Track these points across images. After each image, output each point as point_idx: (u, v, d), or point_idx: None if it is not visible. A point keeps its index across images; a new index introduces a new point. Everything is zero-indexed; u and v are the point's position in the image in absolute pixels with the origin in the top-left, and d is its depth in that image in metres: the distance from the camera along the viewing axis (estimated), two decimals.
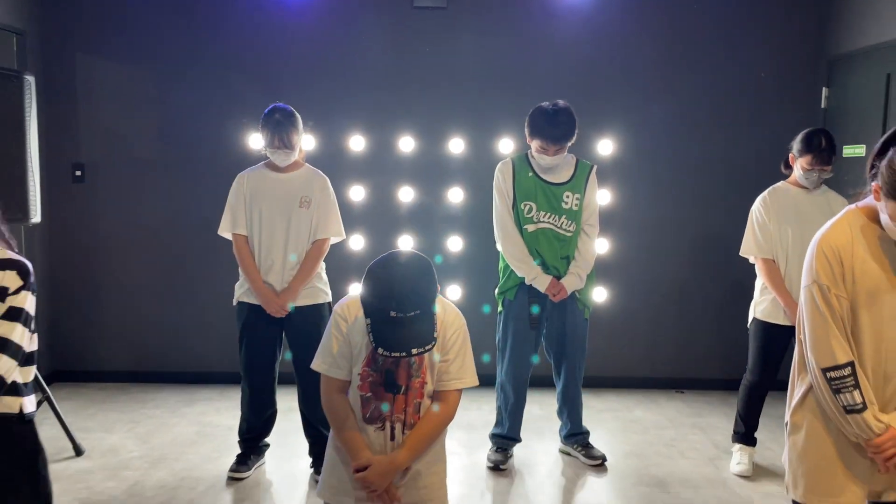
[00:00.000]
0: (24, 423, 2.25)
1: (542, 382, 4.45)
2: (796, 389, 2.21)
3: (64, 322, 5.13)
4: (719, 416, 4.70)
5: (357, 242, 5.06)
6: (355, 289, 4.50)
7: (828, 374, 2.05)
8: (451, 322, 2.12)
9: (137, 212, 5.12)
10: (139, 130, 5.10)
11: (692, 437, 4.37)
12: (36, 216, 3.79)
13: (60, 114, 4.98)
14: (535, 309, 3.79)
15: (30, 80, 3.74)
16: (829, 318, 2.04)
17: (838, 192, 3.81)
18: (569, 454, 4.05)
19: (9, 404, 2.21)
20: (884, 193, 2.01)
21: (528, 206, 3.74)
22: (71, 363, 5.18)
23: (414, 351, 1.92)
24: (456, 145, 5.06)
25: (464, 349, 2.13)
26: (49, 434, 3.97)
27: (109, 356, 5.19)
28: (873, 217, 2.10)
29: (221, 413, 4.63)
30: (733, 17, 5.04)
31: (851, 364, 2.03)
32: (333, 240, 3.68)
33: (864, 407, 2.03)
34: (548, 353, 3.98)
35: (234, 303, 3.69)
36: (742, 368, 3.94)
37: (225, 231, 3.65)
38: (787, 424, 2.26)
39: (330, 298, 3.70)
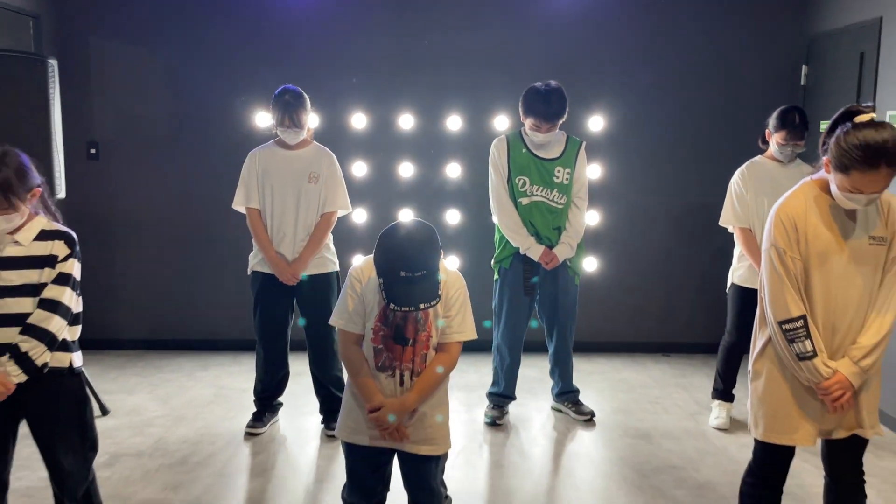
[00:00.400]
0: (73, 375, 2.55)
1: (536, 347, 4.74)
2: (758, 341, 2.51)
3: (83, 293, 5.39)
4: (702, 377, 5.01)
5: (360, 216, 5.33)
6: (358, 259, 4.78)
7: (783, 327, 2.34)
8: (452, 283, 2.40)
9: (150, 186, 5.37)
10: (151, 109, 5.33)
11: (675, 395, 4.68)
12: (61, 192, 4.05)
13: (75, 94, 5.20)
14: (535, 279, 4.08)
15: (53, 63, 3.98)
16: (785, 278, 2.34)
17: (813, 164, 4.07)
18: (560, 411, 4.36)
19: (60, 359, 2.51)
20: (833, 167, 2.30)
21: (522, 181, 4.00)
22: (90, 332, 5.39)
23: (421, 306, 2.21)
24: (453, 122, 5.31)
25: (464, 307, 2.41)
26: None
27: (127, 325, 5.47)
28: (825, 188, 2.40)
29: (235, 377, 4.92)
30: None
31: (804, 317, 2.33)
32: (340, 213, 3.94)
33: (815, 354, 2.33)
34: (540, 317, 4.26)
35: (249, 272, 3.96)
36: (723, 332, 4.24)
37: (239, 205, 3.91)
38: (749, 372, 2.56)
39: (337, 268, 3.97)
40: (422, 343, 2.37)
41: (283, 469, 3.62)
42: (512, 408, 4.33)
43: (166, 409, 4.37)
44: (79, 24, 5.22)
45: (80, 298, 2.60)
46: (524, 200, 4.01)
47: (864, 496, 2.52)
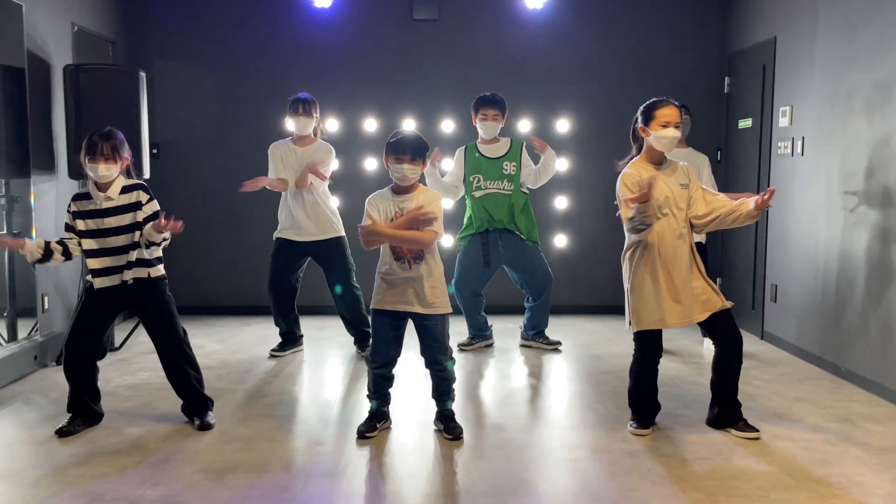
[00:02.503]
0: (165, 280, 3.81)
1: (504, 310, 5.92)
2: (625, 250, 3.76)
3: None
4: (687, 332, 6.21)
5: None
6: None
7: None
8: (430, 199, 3.65)
9: (200, 180, 6.59)
10: (201, 116, 6.57)
11: (626, 337, 5.87)
12: (147, 174, 5.26)
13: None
14: (495, 252, 5.24)
15: (142, 75, 5.22)
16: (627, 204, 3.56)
17: (727, 156, 5.32)
18: (529, 346, 5.54)
19: (160, 269, 3.79)
20: (643, 125, 3.62)
21: (476, 178, 5.24)
22: None
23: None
24: (447, 126, 6.56)
25: (439, 215, 3.60)
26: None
27: (179, 294, 6.64)
28: (647, 160, 3.67)
29: (272, 328, 6.10)
30: (655, 20, 6.58)
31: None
32: (322, 170, 5.03)
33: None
34: (522, 287, 5.47)
35: (273, 238, 5.18)
36: None
37: (272, 174, 5.11)
38: (625, 281, 3.77)
39: (343, 233, 5.17)
40: None
41: (307, 372, 4.82)
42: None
43: (222, 346, 5.55)
44: (145, 48, 6.49)
45: None
46: (478, 193, 5.23)
47: (741, 356, 3.75)
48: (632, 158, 3.80)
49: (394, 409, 3.98)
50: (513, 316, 6.23)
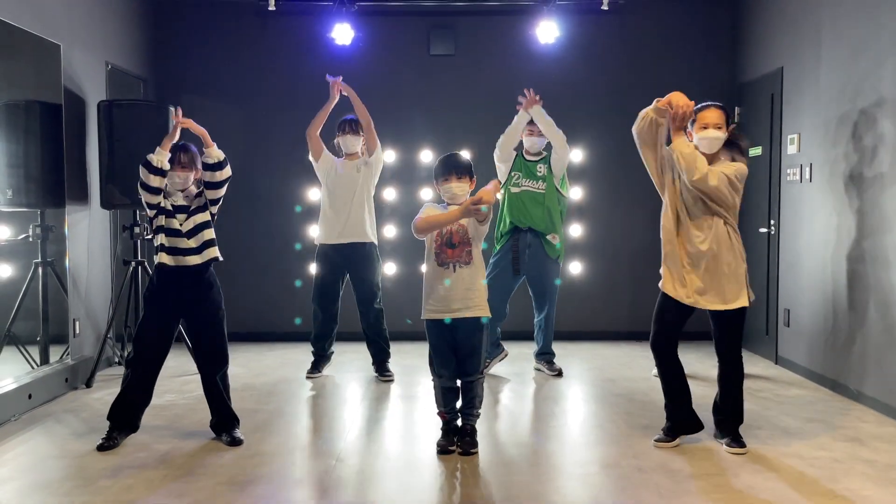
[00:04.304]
0: (218, 262, 4.02)
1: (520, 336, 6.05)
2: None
3: None
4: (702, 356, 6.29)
5: (390, 231, 6.73)
6: (389, 267, 6.23)
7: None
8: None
9: (227, 211, 6.78)
10: (226, 147, 6.78)
11: (639, 362, 5.96)
12: None
13: None
14: (523, 257, 5.47)
15: (172, 109, 5.46)
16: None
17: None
18: (539, 370, 5.68)
19: (215, 252, 4.02)
20: (689, 129, 3.85)
21: (516, 175, 5.52)
22: None
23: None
24: (464, 155, 6.75)
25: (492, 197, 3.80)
26: (180, 360, 5.62)
27: None
28: None
29: (293, 351, 6.26)
30: (667, 51, 6.76)
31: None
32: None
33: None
34: (532, 296, 5.62)
35: (316, 243, 5.41)
36: None
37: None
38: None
39: (376, 241, 5.39)
40: (465, 244, 3.78)
41: (333, 393, 4.96)
42: (504, 366, 5.66)
43: (245, 370, 5.71)
44: (174, 84, 6.78)
45: None
46: (514, 189, 5.50)
47: (736, 370, 3.85)
48: None
49: (404, 423, 4.09)
50: (528, 341, 6.34)
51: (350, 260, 5.31)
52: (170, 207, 4.04)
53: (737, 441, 3.87)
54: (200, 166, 4.11)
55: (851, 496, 3.30)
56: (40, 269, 5.09)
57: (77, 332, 5.35)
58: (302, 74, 6.79)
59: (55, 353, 5.20)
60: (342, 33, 6.44)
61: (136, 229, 5.50)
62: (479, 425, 4.02)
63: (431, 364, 3.94)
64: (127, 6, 6.26)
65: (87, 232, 5.52)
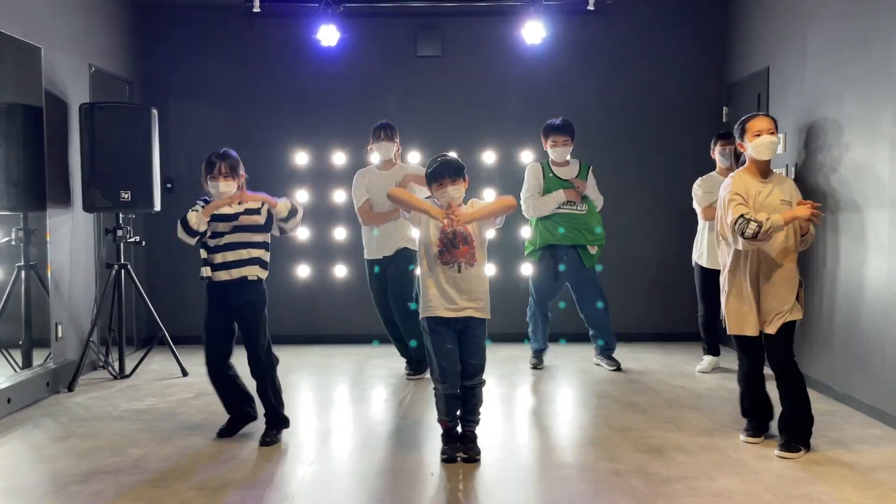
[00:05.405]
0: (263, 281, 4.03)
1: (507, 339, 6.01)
2: (726, 263, 3.93)
3: (166, 295, 6.77)
4: (689, 357, 6.26)
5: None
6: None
7: (735, 226, 3.71)
8: (474, 201, 3.81)
9: None
10: (212, 151, 6.77)
11: (626, 364, 5.92)
12: (157, 206, 5.46)
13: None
14: (562, 267, 5.53)
15: (154, 112, 5.45)
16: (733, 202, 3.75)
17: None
18: (599, 365, 5.75)
19: (260, 272, 4.00)
20: (740, 141, 3.85)
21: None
22: (176, 329, 6.81)
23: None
24: (454, 156, 6.72)
25: (486, 205, 3.77)
26: (164, 364, 5.59)
27: (195, 323, 6.80)
28: (750, 171, 3.86)
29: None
30: (654, 51, 6.73)
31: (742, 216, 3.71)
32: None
33: (759, 224, 3.65)
34: (576, 304, 5.72)
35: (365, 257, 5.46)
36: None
37: (358, 200, 5.36)
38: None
39: (416, 247, 5.30)
40: (469, 246, 3.71)
41: (320, 397, 4.93)
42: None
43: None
44: (160, 87, 6.76)
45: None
46: (559, 211, 5.47)
47: (799, 377, 3.87)
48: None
49: (384, 427, 4.06)
50: (517, 343, 6.33)
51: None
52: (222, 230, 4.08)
53: (791, 446, 3.83)
54: (243, 171, 4.16)
55: (828, 500, 3.26)
56: (23, 273, 5.08)
57: (60, 335, 5.33)
58: (288, 76, 6.77)
59: (40, 356, 5.18)
60: (328, 35, 6.41)
61: (119, 232, 5.48)
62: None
63: (433, 371, 3.85)
64: (111, 9, 6.24)
65: (70, 235, 5.51)
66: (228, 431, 4.14)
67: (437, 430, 3.91)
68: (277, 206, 4.06)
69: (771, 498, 3.28)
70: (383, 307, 5.44)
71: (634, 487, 3.40)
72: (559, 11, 6.68)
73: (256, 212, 4.07)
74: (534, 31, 6.42)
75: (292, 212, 4.10)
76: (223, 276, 4.01)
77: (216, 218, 4.03)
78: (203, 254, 4.07)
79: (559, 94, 6.73)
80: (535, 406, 4.83)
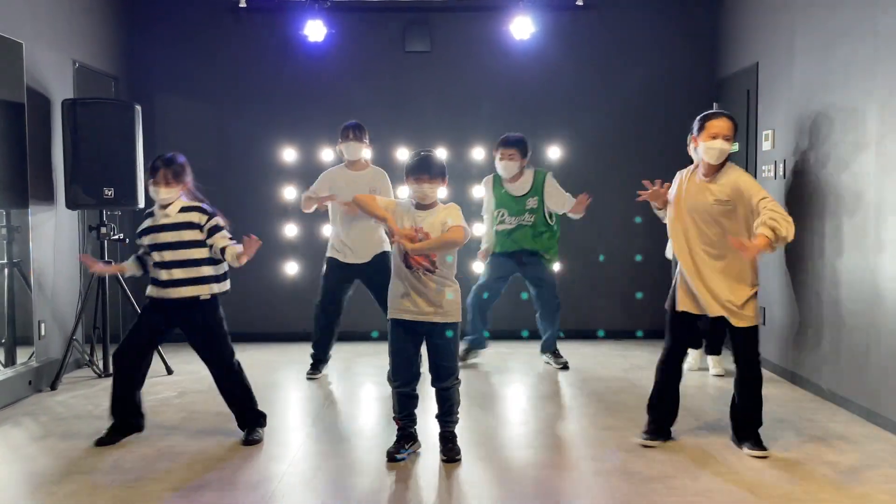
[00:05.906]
0: (224, 295, 3.96)
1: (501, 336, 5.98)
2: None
3: None
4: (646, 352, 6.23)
5: None
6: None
7: None
8: (451, 209, 3.71)
9: None
10: (201, 146, 6.75)
11: (615, 362, 5.89)
12: (141, 203, 5.42)
13: (143, 135, 6.64)
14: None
15: (138, 108, 5.41)
16: None
17: None
18: (547, 363, 5.69)
19: (225, 286, 3.95)
20: (695, 136, 3.75)
21: (501, 213, 5.45)
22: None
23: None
24: (439, 154, 6.67)
25: (459, 220, 3.66)
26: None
27: None
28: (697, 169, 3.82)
29: (265, 353, 6.20)
30: (644, 46, 6.68)
31: None
32: None
33: None
34: (533, 302, 5.67)
35: (325, 258, 5.37)
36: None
37: (313, 186, 5.33)
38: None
39: (389, 249, 5.25)
40: (427, 257, 3.65)
41: (300, 396, 4.90)
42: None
43: None
44: (147, 83, 6.71)
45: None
46: (500, 227, 5.45)
47: (758, 378, 3.81)
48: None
49: (363, 426, 4.03)
50: (507, 341, 6.30)
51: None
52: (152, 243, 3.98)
53: (758, 444, 3.79)
54: (190, 177, 4.09)
55: (808, 499, 3.23)
56: (6, 271, 5.04)
57: (42, 333, 5.29)
58: (275, 72, 6.72)
59: (23, 355, 5.14)
60: (315, 30, 6.36)
61: (103, 229, 5.44)
62: (430, 425, 3.96)
63: (389, 375, 3.83)
64: (96, 3, 6.19)
65: (54, 232, 5.46)
66: (109, 440, 3.97)
67: (420, 429, 3.88)
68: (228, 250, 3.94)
69: (752, 498, 3.25)
70: (332, 313, 5.34)
71: (615, 487, 3.37)
72: (548, 7, 6.62)
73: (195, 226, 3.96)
74: (522, 27, 6.37)
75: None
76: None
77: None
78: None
79: (548, 90, 6.68)
80: (515, 405, 4.80)
